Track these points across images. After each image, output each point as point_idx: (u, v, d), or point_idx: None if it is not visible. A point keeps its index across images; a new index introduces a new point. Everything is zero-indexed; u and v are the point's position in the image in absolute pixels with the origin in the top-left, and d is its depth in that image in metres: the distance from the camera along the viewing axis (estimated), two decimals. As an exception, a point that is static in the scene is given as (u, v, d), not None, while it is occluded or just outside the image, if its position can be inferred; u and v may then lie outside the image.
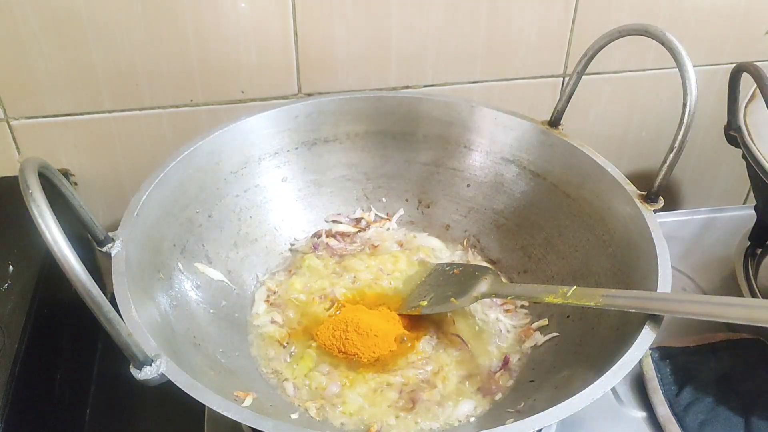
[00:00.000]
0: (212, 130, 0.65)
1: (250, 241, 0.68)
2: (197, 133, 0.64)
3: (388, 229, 0.74)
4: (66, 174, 0.74)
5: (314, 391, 0.57)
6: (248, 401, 0.50)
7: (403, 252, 0.71)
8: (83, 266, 0.38)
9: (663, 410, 0.60)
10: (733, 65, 0.62)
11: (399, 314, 0.63)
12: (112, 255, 0.51)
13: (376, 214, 0.74)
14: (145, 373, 0.43)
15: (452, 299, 0.62)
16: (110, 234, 0.52)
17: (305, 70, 0.74)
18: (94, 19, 0.66)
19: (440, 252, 0.72)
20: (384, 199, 0.75)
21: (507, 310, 0.65)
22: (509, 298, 0.64)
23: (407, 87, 0.78)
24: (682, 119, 0.56)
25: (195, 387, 0.43)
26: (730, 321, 0.47)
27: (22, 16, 0.64)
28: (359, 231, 0.73)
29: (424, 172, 0.74)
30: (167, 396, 0.44)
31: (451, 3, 0.73)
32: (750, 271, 0.72)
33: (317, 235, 0.72)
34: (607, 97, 0.84)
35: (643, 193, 0.59)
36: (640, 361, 0.63)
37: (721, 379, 0.62)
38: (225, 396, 0.44)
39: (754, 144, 0.62)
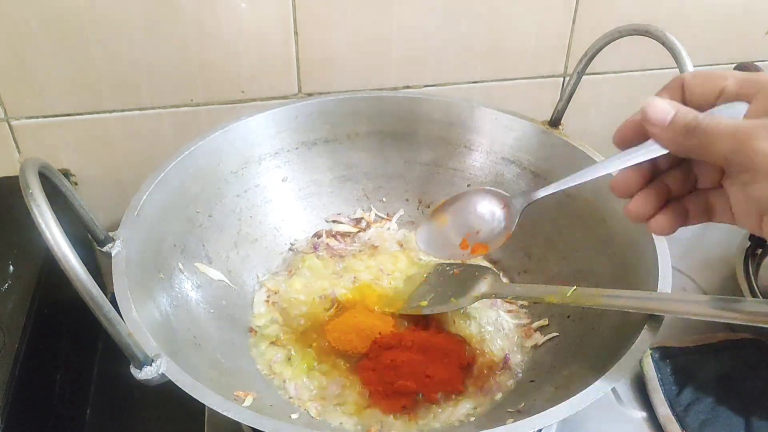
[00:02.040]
0: (212, 130, 0.65)
1: (250, 241, 0.68)
2: (197, 133, 0.64)
3: (389, 229, 0.74)
4: (66, 174, 0.74)
5: (314, 391, 0.57)
6: (248, 401, 0.50)
7: (403, 252, 0.71)
8: (83, 266, 0.38)
9: (663, 410, 0.60)
10: (733, 65, 0.62)
11: (399, 314, 0.63)
12: (113, 255, 0.51)
13: (376, 215, 0.74)
14: (146, 373, 0.43)
15: (452, 299, 0.62)
16: (110, 234, 0.52)
17: (305, 70, 0.74)
18: (94, 19, 0.66)
19: (440, 252, 0.72)
20: (384, 199, 0.75)
21: (508, 311, 0.65)
22: (509, 298, 0.64)
23: (407, 87, 0.78)
24: (682, 119, 0.55)
25: (195, 387, 0.43)
26: (730, 321, 0.47)
27: (22, 16, 0.64)
28: (359, 231, 0.73)
29: (425, 172, 0.74)
30: (167, 396, 0.44)
31: (451, 3, 0.73)
32: (750, 271, 0.72)
33: (317, 235, 0.72)
34: (607, 97, 0.84)
35: (643, 193, 0.59)
36: (640, 361, 0.64)
37: (721, 379, 0.62)
38: (225, 396, 0.44)
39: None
